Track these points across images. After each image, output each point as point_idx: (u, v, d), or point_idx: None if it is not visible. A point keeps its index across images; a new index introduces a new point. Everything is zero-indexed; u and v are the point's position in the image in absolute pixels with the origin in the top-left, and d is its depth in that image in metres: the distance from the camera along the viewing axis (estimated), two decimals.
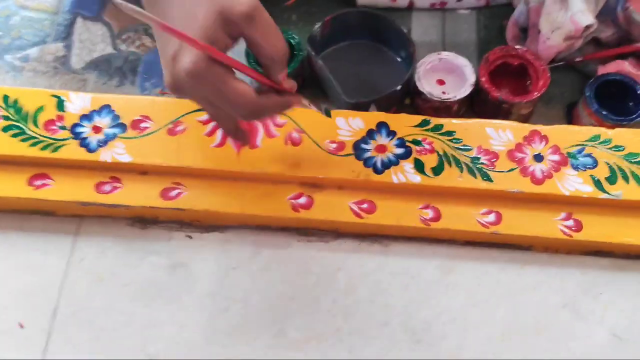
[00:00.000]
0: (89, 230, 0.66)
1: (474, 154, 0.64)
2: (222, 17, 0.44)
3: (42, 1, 0.84)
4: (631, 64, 0.71)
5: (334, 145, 0.64)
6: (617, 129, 0.65)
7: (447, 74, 0.73)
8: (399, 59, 0.77)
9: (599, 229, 0.61)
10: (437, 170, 0.63)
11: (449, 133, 0.65)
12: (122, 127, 0.65)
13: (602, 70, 0.72)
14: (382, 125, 0.65)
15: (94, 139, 0.64)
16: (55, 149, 0.64)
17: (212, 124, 0.65)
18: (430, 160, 0.63)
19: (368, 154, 0.64)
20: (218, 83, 0.45)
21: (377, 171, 0.63)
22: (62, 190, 0.64)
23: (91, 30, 0.81)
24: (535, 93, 0.69)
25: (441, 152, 0.64)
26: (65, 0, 0.84)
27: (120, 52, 0.80)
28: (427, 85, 0.70)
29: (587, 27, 0.68)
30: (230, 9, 0.44)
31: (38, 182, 0.64)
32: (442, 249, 0.64)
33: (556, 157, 0.63)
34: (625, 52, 0.73)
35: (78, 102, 0.66)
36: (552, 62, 0.74)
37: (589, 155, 0.63)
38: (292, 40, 0.72)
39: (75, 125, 0.65)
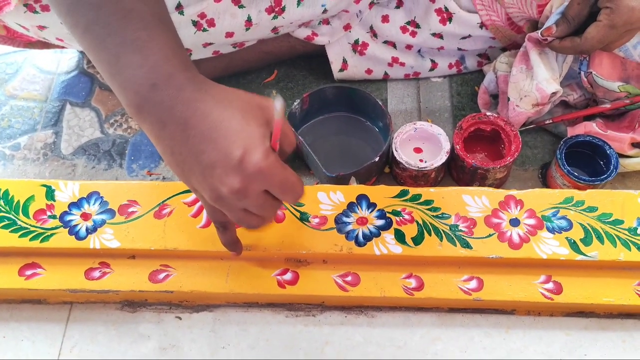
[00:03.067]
0: (79, 317, 0.67)
1: (452, 222, 0.66)
2: (266, 117, 0.48)
3: (31, 90, 0.87)
4: (598, 124, 0.74)
5: (317, 220, 0.66)
6: (589, 191, 0.67)
7: (423, 142, 0.76)
8: (377, 129, 0.80)
9: (579, 291, 0.63)
10: (418, 239, 0.65)
11: (427, 202, 0.67)
12: (111, 212, 0.67)
13: (571, 132, 0.75)
14: (362, 197, 0.67)
15: (83, 226, 0.66)
16: (45, 239, 0.65)
17: (197, 205, 0.67)
18: (410, 231, 0.65)
19: (349, 227, 0.65)
20: (282, 169, 0.48)
21: (359, 244, 0.64)
22: (52, 279, 0.65)
23: (80, 115, 0.84)
24: (509, 158, 0.71)
25: (420, 222, 0.66)
26: (54, 87, 0.87)
27: (108, 136, 0.82)
28: (404, 154, 0.73)
29: (553, 93, 0.72)
30: (267, 110, 0.48)
31: (29, 272, 0.65)
32: (427, 317, 0.65)
33: (532, 221, 0.65)
34: (592, 114, 0.76)
35: (67, 191, 0.68)
36: (523, 125, 0.77)
37: (563, 217, 0.65)
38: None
39: (65, 213, 0.67)
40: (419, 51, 0.84)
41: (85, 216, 0.67)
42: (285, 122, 0.49)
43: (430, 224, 0.65)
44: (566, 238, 0.64)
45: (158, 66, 0.46)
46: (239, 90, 0.49)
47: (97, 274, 0.65)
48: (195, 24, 0.70)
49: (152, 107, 0.47)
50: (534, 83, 0.72)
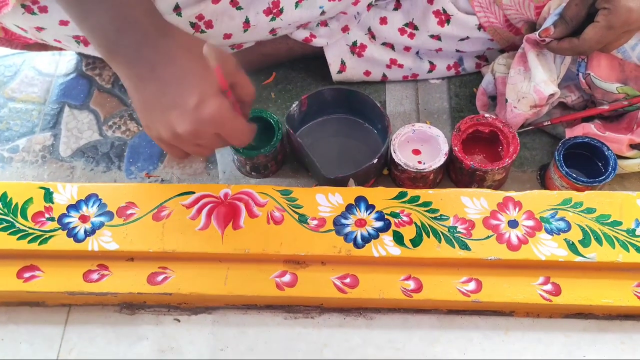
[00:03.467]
0: (78, 319, 0.67)
1: (450, 223, 0.66)
2: (225, 69, 0.54)
3: (30, 92, 0.87)
4: (597, 126, 0.74)
5: (315, 222, 0.66)
6: (588, 192, 0.67)
7: (422, 143, 0.76)
8: (375, 131, 0.80)
9: (578, 292, 0.63)
10: (416, 241, 0.65)
11: (426, 204, 0.67)
12: (109, 215, 0.67)
13: (569, 133, 0.75)
14: (360, 199, 0.67)
15: (81, 228, 0.66)
16: (44, 241, 0.65)
17: (196, 207, 0.67)
18: (408, 232, 0.65)
19: (348, 229, 0.65)
20: (234, 118, 0.55)
21: (358, 246, 0.64)
22: (50, 281, 0.65)
23: (78, 118, 0.84)
24: (507, 159, 0.71)
25: (419, 224, 0.66)
26: (53, 90, 0.87)
27: (107, 138, 0.82)
28: (403, 156, 0.73)
29: (551, 95, 0.72)
30: (228, 62, 0.55)
31: (27, 274, 0.65)
32: (425, 319, 0.65)
33: (530, 223, 0.65)
34: (590, 115, 0.76)
35: (65, 193, 0.68)
36: (521, 127, 0.77)
37: (562, 219, 0.65)
38: (271, 120, 0.75)
39: (63, 215, 0.67)
40: (417, 53, 0.84)
41: (84, 218, 0.67)
42: (239, 73, 0.56)
43: (429, 225, 0.65)
44: (565, 239, 0.64)
45: (122, 11, 0.52)
46: (201, 40, 0.55)
47: (95, 276, 0.65)
48: (193, 25, 0.70)
49: (120, 49, 0.53)
50: (532, 85, 0.72)
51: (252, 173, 0.77)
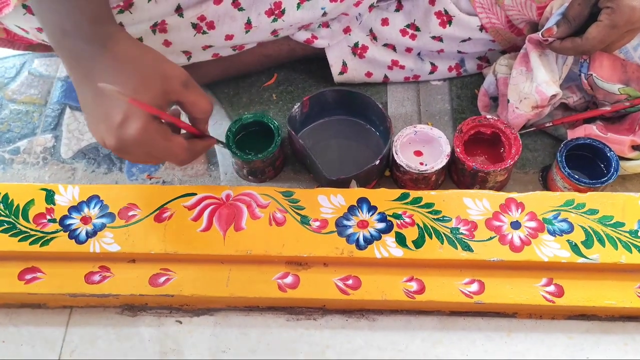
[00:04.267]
0: (79, 321, 0.67)
1: (453, 224, 0.65)
2: (166, 88, 0.53)
3: (31, 94, 0.87)
4: (599, 127, 0.74)
5: (317, 224, 0.66)
6: (590, 193, 0.67)
7: (424, 145, 0.76)
8: (377, 133, 0.80)
9: (580, 294, 0.63)
10: (419, 243, 0.64)
11: (428, 205, 0.67)
12: (111, 216, 0.67)
13: (571, 134, 0.75)
14: (362, 200, 0.67)
15: (82, 230, 0.66)
16: (45, 243, 0.65)
17: (197, 209, 0.67)
18: (411, 234, 0.65)
19: (350, 230, 0.65)
20: (162, 140, 0.54)
21: (360, 247, 0.64)
22: (52, 283, 0.65)
23: (79, 119, 0.84)
24: (509, 161, 0.71)
25: (421, 225, 0.65)
26: (54, 91, 0.87)
27: None
28: (404, 157, 0.73)
29: (553, 96, 0.72)
30: (171, 80, 0.54)
31: (28, 276, 0.65)
32: (428, 320, 0.65)
33: (533, 224, 0.65)
34: (592, 116, 0.76)
35: (67, 194, 0.68)
36: (523, 128, 0.77)
37: (564, 220, 0.65)
38: (271, 125, 0.74)
39: (65, 217, 0.67)
40: (418, 54, 0.84)
41: (85, 220, 0.67)
42: (187, 90, 0.55)
43: (431, 227, 0.65)
44: (567, 241, 0.64)
45: (70, 14, 0.52)
46: (151, 52, 0.55)
47: (97, 277, 0.65)
48: (195, 26, 0.70)
49: (62, 51, 0.54)
50: (534, 85, 0.72)
51: (249, 177, 0.77)
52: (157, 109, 0.53)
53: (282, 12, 0.72)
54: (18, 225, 0.66)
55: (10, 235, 0.65)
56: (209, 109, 0.58)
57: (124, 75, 0.53)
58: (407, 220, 0.66)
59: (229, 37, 0.73)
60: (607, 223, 0.65)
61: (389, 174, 0.78)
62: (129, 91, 0.52)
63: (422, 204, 0.67)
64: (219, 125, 0.82)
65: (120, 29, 0.55)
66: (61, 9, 0.52)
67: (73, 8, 0.52)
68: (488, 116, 0.75)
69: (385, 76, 0.85)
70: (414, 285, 0.64)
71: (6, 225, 0.66)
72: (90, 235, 0.66)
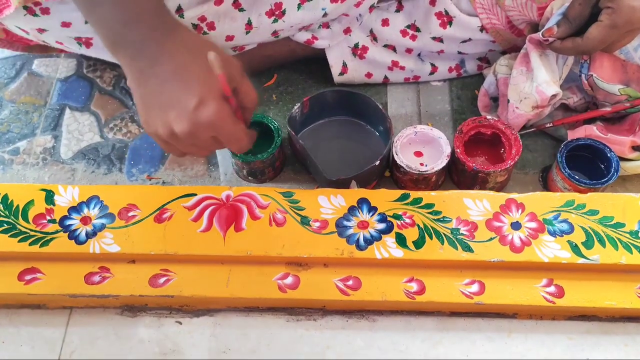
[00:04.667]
0: (79, 321, 0.66)
1: (453, 225, 0.65)
2: (229, 74, 0.54)
3: (31, 94, 0.87)
4: (599, 128, 0.74)
5: (317, 224, 0.66)
6: (591, 194, 0.67)
7: (424, 145, 0.76)
8: (377, 133, 0.80)
9: (581, 294, 0.63)
10: (419, 243, 0.64)
11: (428, 206, 0.67)
12: (110, 217, 0.67)
13: (571, 135, 0.75)
14: (363, 201, 0.67)
15: (82, 230, 0.66)
16: (45, 243, 0.65)
17: (197, 209, 0.67)
18: (411, 234, 0.65)
19: (350, 231, 0.65)
20: (232, 123, 0.54)
21: (360, 248, 0.64)
22: (52, 283, 0.65)
23: (79, 120, 0.84)
24: (509, 161, 0.71)
25: (422, 225, 0.65)
26: (53, 92, 0.87)
27: (108, 140, 0.82)
28: (405, 158, 0.73)
29: (553, 96, 0.72)
30: (232, 67, 0.55)
31: (28, 277, 0.65)
32: (428, 321, 0.65)
33: (533, 224, 0.65)
34: (592, 117, 0.76)
35: (66, 195, 0.68)
36: (523, 128, 0.77)
37: (564, 220, 0.65)
38: (271, 125, 0.74)
39: (64, 218, 0.67)
40: (419, 55, 0.84)
41: (85, 220, 0.67)
42: (243, 79, 0.56)
43: (432, 227, 0.65)
44: (568, 241, 0.64)
45: (131, 5, 0.52)
46: (210, 41, 0.55)
47: (97, 278, 0.65)
48: (195, 27, 0.70)
49: (124, 43, 0.53)
50: (534, 85, 0.72)
51: (249, 178, 0.77)
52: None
53: (283, 13, 0.72)
54: (18, 226, 0.66)
55: (10, 236, 0.65)
56: (257, 100, 0.59)
57: (195, 61, 0.53)
58: (408, 220, 0.66)
59: (229, 38, 0.73)
60: (608, 224, 0.65)
61: (389, 174, 0.77)
62: (201, 75, 0.52)
63: (422, 204, 0.67)
64: None
65: (178, 20, 0.56)
66: (120, 3, 0.52)
67: (134, 0, 0.52)
68: (488, 117, 0.75)
69: (386, 77, 0.85)
70: (414, 286, 0.64)
71: (6, 226, 0.66)
72: (90, 235, 0.66)
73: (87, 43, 0.73)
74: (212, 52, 0.52)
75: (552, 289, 0.63)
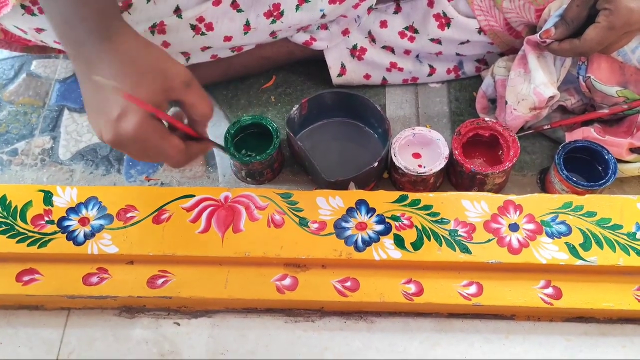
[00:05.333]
0: (77, 322, 0.66)
1: (451, 226, 0.65)
2: (166, 86, 0.52)
3: (29, 95, 0.87)
4: (596, 130, 0.74)
5: (316, 225, 0.66)
6: (588, 196, 0.67)
7: (422, 147, 0.76)
8: (375, 135, 0.80)
9: (578, 296, 0.63)
10: (417, 245, 0.64)
11: (427, 207, 0.67)
12: (109, 218, 0.67)
13: (568, 137, 0.75)
14: (361, 202, 0.67)
15: (80, 231, 0.66)
16: (43, 244, 0.65)
17: (196, 211, 0.67)
18: (409, 236, 0.65)
19: (349, 232, 0.65)
20: (158, 139, 0.52)
21: (359, 249, 0.64)
22: (50, 284, 0.64)
23: (78, 121, 0.84)
24: (507, 163, 0.71)
25: (420, 227, 0.65)
26: (52, 93, 0.87)
27: None
28: (403, 160, 0.73)
29: (551, 97, 0.72)
30: (172, 79, 0.53)
31: (26, 278, 0.65)
32: (426, 322, 0.65)
33: (531, 226, 0.65)
34: (590, 119, 0.76)
35: (65, 196, 0.68)
36: (521, 130, 0.77)
37: (562, 222, 0.65)
38: (270, 127, 0.74)
39: (62, 219, 0.67)
40: (417, 56, 0.84)
41: (83, 221, 0.67)
42: (188, 90, 0.53)
43: (430, 229, 0.65)
44: (565, 243, 0.64)
45: (77, 7, 0.52)
46: (155, 49, 0.54)
47: (95, 279, 0.65)
48: (193, 27, 0.70)
49: (66, 43, 0.53)
50: (532, 87, 0.72)
51: (247, 179, 0.77)
52: (155, 107, 0.52)
53: (281, 14, 0.72)
54: (16, 227, 0.66)
55: (8, 237, 0.65)
56: (209, 113, 0.56)
57: (123, 70, 0.52)
58: (406, 222, 0.66)
59: (227, 39, 0.73)
60: (605, 225, 0.65)
61: (388, 176, 0.78)
62: (127, 86, 0.51)
63: (420, 206, 0.67)
64: (217, 127, 0.82)
65: (126, 25, 0.54)
66: (68, 3, 0.52)
67: (81, 2, 0.52)
68: (486, 118, 0.75)
69: (384, 78, 0.85)
70: (412, 287, 0.64)
71: (4, 227, 0.66)
72: (88, 236, 0.66)
73: None
74: (98, 76, 0.51)
75: (549, 290, 0.63)
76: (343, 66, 0.83)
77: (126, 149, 0.53)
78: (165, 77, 0.52)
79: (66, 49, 0.54)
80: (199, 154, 0.59)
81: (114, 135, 0.51)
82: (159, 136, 0.52)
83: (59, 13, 0.53)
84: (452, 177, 0.77)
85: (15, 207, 0.67)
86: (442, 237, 0.65)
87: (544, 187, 0.76)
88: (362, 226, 0.66)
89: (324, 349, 0.64)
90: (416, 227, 0.65)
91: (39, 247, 0.65)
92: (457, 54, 0.83)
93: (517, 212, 0.66)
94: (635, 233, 0.64)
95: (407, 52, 0.83)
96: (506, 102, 0.76)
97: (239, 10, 0.70)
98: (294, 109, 0.76)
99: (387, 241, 0.65)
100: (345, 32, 0.80)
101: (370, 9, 0.79)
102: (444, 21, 0.79)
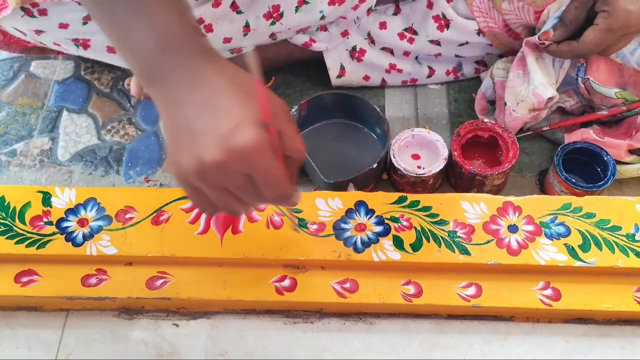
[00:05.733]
0: (75, 324, 0.66)
1: (450, 228, 0.65)
2: (273, 110, 0.48)
3: (28, 96, 0.87)
4: (595, 131, 0.74)
5: (315, 227, 0.66)
6: (587, 197, 0.67)
7: (421, 148, 0.76)
8: (374, 136, 0.80)
9: (577, 297, 0.63)
10: (416, 246, 0.64)
11: (426, 209, 0.67)
12: (108, 219, 0.67)
13: (567, 138, 0.75)
14: (360, 204, 0.67)
15: (79, 232, 0.66)
16: (42, 245, 0.65)
17: (195, 212, 0.67)
18: (408, 237, 0.65)
19: (348, 234, 0.65)
20: (269, 158, 0.46)
21: (358, 250, 0.64)
22: (48, 286, 0.64)
23: (76, 122, 0.84)
24: (506, 164, 0.71)
25: (419, 228, 0.65)
26: (51, 94, 0.87)
27: (105, 142, 0.82)
28: (402, 161, 0.73)
29: (549, 99, 0.72)
30: (277, 103, 0.49)
31: (25, 279, 0.65)
32: (425, 324, 0.65)
33: (530, 227, 0.65)
34: (589, 120, 0.76)
35: (63, 197, 0.68)
36: (520, 131, 0.77)
37: (561, 224, 0.65)
38: None
39: (61, 220, 0.67)
40: (416, 58, 0.84)
41: (82, 222, 0.67)
42: (289, 122, 0.49)
43: (429, 230, 0.65)
44: (564, 244, 0.64)
45: (168, 31, 0.47)
46: (248, 73, 0.49)
47: (93, 280, 0.65)
48: None
49: (161, 71, 0.47)
50: (531, 88, 0.72)
51: None
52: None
53: (281, 15, 0.72)
54: (15, 228, 0.66)
55: (7, 238, 0.65)
56: (303, 152, 0.51)
57: (233, 85, 0.47)
58: (405, 223, 0.66)
59: (227, 40, 0.73)
60: (604, 227, 0.65)
61: (387, 177, 0.78)
62: (242, 101, 0.46)
63: (419, 207, 0.67)
64: None
65: (214, 47, 0.50)
66: (155, 29, 0.47)
67: (172, 26, 0.47)
68: (485, 120, 0.75)
69: (383, 80, 0.85)
70: (411, 289, 0.64)
71: (3, 228, 0.66)
72: (87, 237, 0.65)
73: (85, 45, 0.73)
74: (251, 50, 0.46)
75: (548, 291, 0.63)
76: (342, 67, 0.83)
77: (229, 174, 0.46)
78: (272, 101, 0.48)
79: (157, 81, 0.48)
80: (289, 197, 0.51)
81: (224, 151, 0.45)
82: (272, 156, 0.46)
83: (150, 45, 0.47)
84: (451, 179, 0.77)
85: (14, 208, 0.67)
86: (441, 239, 0.65)
87: (543, 188, 0.76)
88: (361, 227, 0.66)
89: (323, 350, 0.64)
90: (415, 228, 0.65)
91: (37, 248, 0.65)
92: (456, 56, 0.83)
93: (516, 214, 0.66)
94: (634, 234, 0.64)
95: (406, 53, 0.83)
96: (505, 104, 0.76)
97: (239, 12, 0.70)
98: (293, 110, 0.76)
99: (386, 242, 0.65)
100: (345, 34, 0.80)
101: (369, 11, 0.79)
102: (443, 23, 0.79)
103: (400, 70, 0.84)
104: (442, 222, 0.66)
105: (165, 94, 0.48)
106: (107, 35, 0.50)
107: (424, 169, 0.73)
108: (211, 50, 0.49)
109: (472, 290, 0.63)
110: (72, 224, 0.66)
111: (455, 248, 0.64)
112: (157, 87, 0.48)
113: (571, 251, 0.64)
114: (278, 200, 0.49)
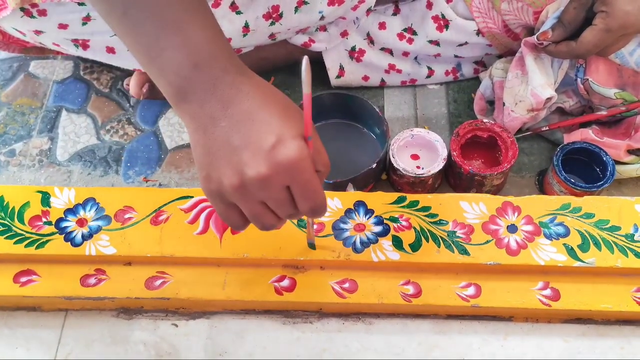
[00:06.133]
0: (74, 324, 0.66)
1: (450, 228, 0.65)
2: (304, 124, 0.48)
3: (27, 96, 0.87)
4: (594, 131, 0.74)
5: (314, 227, 0.66)
6: (586, 197, 0.67)
7: (421, 148, 0.76)
8: (374, 136, 0.80)
9: (577, 297, 0.63)
10: (415, 246, 0.64)
11: (425, 209, 0.67)
12: (107, 219, 0.67)
13: (567, 138, 0.75)
14: (359, 204, 0.67)
15: (78, 232, 0.66)
16: (41, 245, 0.65)
17: (194, 212, 0.67)
18: (408, 237, 0.65)
19: (347, 234, 0.65)
20: (312, 171, 0.46)
21: (357, 250, 0.64)
22: (47, 285, 0.64)
23: (75, 122, 0.84)
24: (506, 164, 0.71)
25: (418, 228, 0.65)
26: (50, 94, 0.87)
27: (104, 142, 0.82)
28: (401, 161, 0.73)
29: (548, 99, 0.72)
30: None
31: (24, 279, 0.65)
32: (425, 324, 0.65)
33: (529, 227, 0.65)
34: (588, 121, 0.76)
35: (62, 197, 0.68)
36: (519, 132, 0.77)
37: (560, 224, 0.65)
38: None
39: (60, 220, 0.67)
40: (415, 58, 0.84)
41: (81, 222, 0.66)
42: (317, 136, 0.49)
43: (428, 230, 0.65)
44: (564, 244, 0.64)
45: (201, 47, 0.46)
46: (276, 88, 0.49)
47: (92, 280, 0.65)
48: None
49: (193, 87, 0.46)
50: (529, 88, 0.72)
51: None
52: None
53: (280, 16, 0.72)
54: (13, 228, 0.66)
55: (6, 238, 0.65)
56: (329, 165, 0.51)
57: (272, 98, 0.47)
58: (404, 223, 0.66)
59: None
60: (603, 227, 0.65)
61: (386, 177, 0.78)
62: (277, 116, 0.46)
63: (418, 207, 0.67)
64: None
65: (243, 63, 0.50)
66: (187, 44, 0.46)
67: (203, 41, 0.46)
68: (485, 120, 0.75)
69: (382, 80, 0.85)
70: (410, 289, 0.64)
71: (1, 228, 0.66)
72: (86, 237, 0.65)
73: (84, 45, 0.73)
74: (305, 63, 0.44)
75: (548, 292, 0.63)
76: (342, 68, 0.83)
77: (271, 188, 0.46)
78: (301, 115, 0.47)
79: (190, 99, 0.47)
80: (321, 213, 0.51)
81: (269, 165, 0.45)
82: (313, 169, 0.46)
83: (181, 61, 0.46)
84: (450, 179, 0.77)
85: (13, 208, 0.67)
86: (440, 239, 0.65)
87: (542, 188, 0.76)
88: (360, 227, 0.66)
89: (323, 350, 0.64)
90: (414, 228, 0.65)
91: (36, 248, 0.65)
92: (456, 56, 0.83)
93: (516, 214, 0.66)
94: (634, 234, 0.64)
95: (405, 53, 0.83)
96: (504, 104, 0.76)
97: (238, 12, 0.70)
98: None
99: (386, 242, 0.65)
100: (344, 34, 0.81)
101: (369, 11, 0.79)
102: (443, 23, 0.79)
103: (399, 71, 0.84)
104: (442, 222, 0.66)
105: (199, 111, 0.47)
106: (132, 51, 0.48)
107: (423, 169, 0.73)
108: (243, 65, 0.48)
109: (471, 291, 0.63)
110: (71, 224, 0.66)
111: (455, 248, 0.64)
112: (190, 104, 0.47)
113: (570, 251, 0.64)
114: (313, 211, 0.49)
